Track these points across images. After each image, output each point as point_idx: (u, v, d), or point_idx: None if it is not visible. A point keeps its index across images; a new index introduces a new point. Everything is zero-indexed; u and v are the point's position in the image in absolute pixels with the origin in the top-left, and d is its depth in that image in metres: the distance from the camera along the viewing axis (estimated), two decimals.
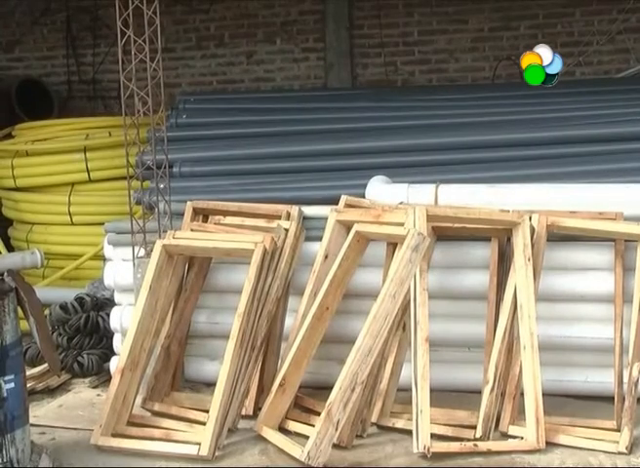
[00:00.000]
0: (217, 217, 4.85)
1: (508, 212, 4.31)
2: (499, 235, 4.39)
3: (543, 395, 4.02)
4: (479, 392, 4.16)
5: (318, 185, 5.51)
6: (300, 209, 4.70)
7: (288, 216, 4.67)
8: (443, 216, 4.28)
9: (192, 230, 4.72)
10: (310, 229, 4.69)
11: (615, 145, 5.62)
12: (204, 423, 4.03)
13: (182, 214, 4.90)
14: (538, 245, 4.23)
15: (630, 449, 3.89)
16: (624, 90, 6.63)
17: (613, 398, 4.20)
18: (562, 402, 4.39)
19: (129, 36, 4.68)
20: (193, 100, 6.79)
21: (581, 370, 4.50)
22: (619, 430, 4.00)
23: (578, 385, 4.49)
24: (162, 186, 4.94)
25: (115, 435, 4.13)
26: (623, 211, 4.42)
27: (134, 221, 4.82)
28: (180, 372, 4.78)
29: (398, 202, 4.58)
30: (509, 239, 4.32)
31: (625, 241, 4.36)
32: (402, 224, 4.12)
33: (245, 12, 8.79)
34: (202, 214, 4.94)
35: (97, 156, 6.95)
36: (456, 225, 4.36)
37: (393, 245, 4.27)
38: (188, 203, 4.92)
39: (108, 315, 5.07)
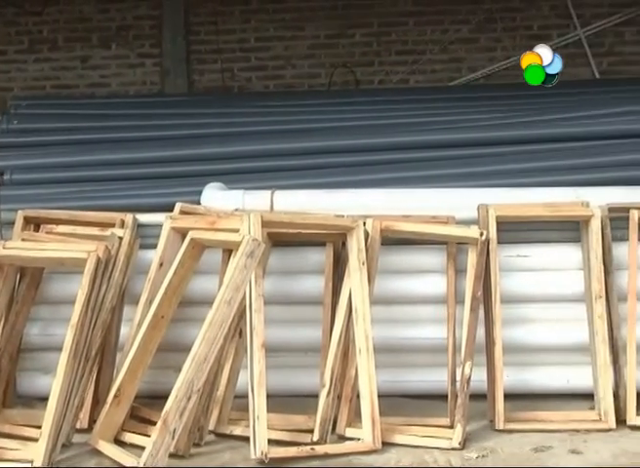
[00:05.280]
0: (49, 226, 4.71)
1: (343, 217, 4.36)
2: (334, 240, 4.43)
3: (381, 396, 4.08)
4: (317, 396, 4.18)
5: (153, 192, 5.45)
6: (134, 216, 4.61)
7: (122, 224, 4.58)
8: (278, 222, 4.29)
9: (23, 240, 4.57)
10: (145, 237, 4.62)
11: (447, 151, 5.78)
12: (37, 440, 3.90)
13: (13, 224, 4.74)
14: (372, 249, 4.30)
15: (463, 445, 3.99)
16: (457, 98, 6.84)
17: (447, 396, 4.32)
18: (399, 402, 4.48)
19: None
20: (25, 105, 6.60)
21: (417, 370, 4.60)
22: (452, 427, 4.10)
23: (414, 385, 4.59)
24: None
25: None
26: (455, 214, 4.54)
27: None
28: (11, 388, 4.61)
29: (234, 208, 4.57)
30: (344, 244, 4.37)
31: (457, 244, 4.48)
32: (237, 231, 4.11)
33: (79, 15, 8.61)
34: (34, 224, 4.79)
35: None
36: (291, 231, 4.37)
37: (229, 251, 4.26)
38: (19, 212, 4.76)
39: None
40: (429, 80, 8.51)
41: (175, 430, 3.69)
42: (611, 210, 4.49)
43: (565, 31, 8.59)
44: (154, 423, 3.89)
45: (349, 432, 4.11)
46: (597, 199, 4.56)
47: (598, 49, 8.57)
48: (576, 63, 8.48)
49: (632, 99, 6.34)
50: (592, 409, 4.37)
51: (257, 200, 4.66)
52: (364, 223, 4.31)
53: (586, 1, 8.57)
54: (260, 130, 6.10)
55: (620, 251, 4.47)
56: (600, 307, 4.34)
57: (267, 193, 4.67)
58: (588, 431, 4.18)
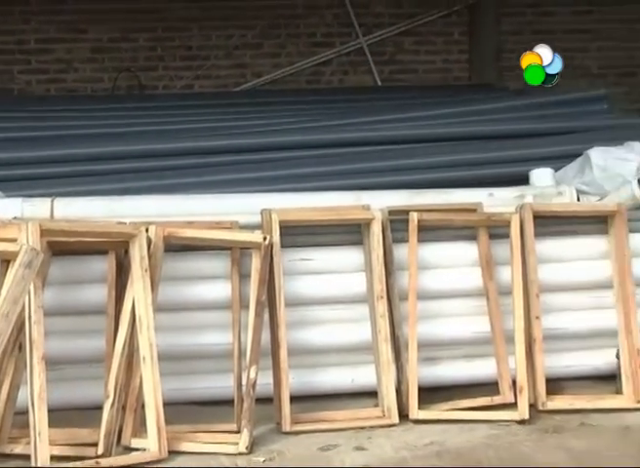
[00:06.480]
0: None
1: (125, 224, 4.29)
2: (116, 248, 4.35)
3: (167, 404, 4.02)
4: (102, 408, 4.08)
5: None
6: None
7: None
8: (58, 231, 4.16)
9: None
10: None
11: (233, 156, 5.81)
12: None
13: None
14: (155, 256, 4.23)
15: (250, 449, 4.00)
16: (242, 103, 6.91)
17: (234, 401, 4.33)
18: (186, 410, 4.43)
19: None
20: None
21: (204, 376, 4.57)
22: (239, 432, 4.10)
23: (201, 392, 4.56)
24: None
25: None
26: (239, 219, 4.57)
27: None
28: None
29: (12, 217, 4.41)
30: (127, 251, 4.30)
31: (241, 249, 4.50)
32: (15, 240, 3.96)
33: None
34: None
35: None
36: (72, 239, 4.25)
37: (7, 262, 4.08)
38: None
39: None
40: (214, 85, 8.55)
41: None
42: (391, 212, 4.64)
43: (348, 39, 8.84)
44: None
45: (135, 442, 4.04)
46: (378, 202, 4.70)
47: (380, 57, 8.89)
48: (358, 71, 8.77)
49: (412, 106, 6.61)
50: (377, 406, 4.48)
51: (36, 208, 4.53)
52: (146, 230, 4.25)
53: (368, 11, 8.88)
54: (40, 135, 5.94)
55: (400, 252, 4.60)
56: (382, 307, 4.47)
57: (47, 201, 4.55)
58: (373, 427, 4.29)
